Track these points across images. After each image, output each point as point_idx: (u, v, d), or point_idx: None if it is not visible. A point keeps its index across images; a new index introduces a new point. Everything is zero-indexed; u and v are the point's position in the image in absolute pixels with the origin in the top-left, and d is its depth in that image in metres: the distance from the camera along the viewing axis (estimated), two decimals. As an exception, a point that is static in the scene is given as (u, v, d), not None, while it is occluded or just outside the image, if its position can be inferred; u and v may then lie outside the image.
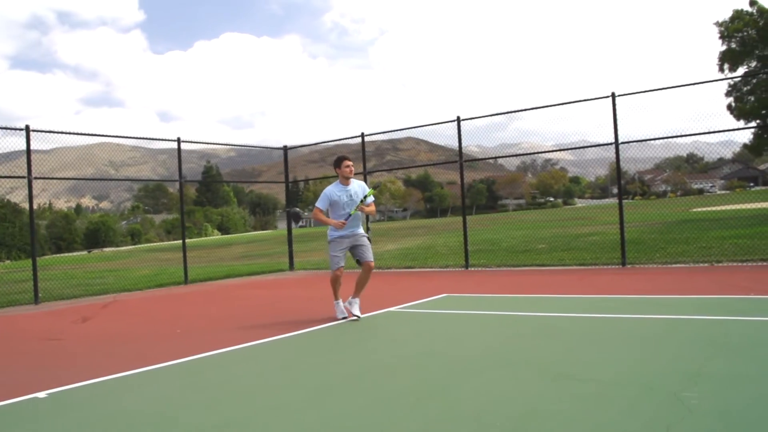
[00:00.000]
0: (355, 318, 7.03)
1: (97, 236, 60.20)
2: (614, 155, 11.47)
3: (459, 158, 13.20)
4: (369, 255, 7.10)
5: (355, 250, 7.12)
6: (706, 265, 10.81)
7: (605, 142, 11.52)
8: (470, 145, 13.47)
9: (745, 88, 23.84)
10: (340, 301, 7.24)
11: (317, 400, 3.88)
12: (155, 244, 58.75)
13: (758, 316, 5.86)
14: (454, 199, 79.20)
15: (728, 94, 24.42)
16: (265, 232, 74.43)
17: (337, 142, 15.92)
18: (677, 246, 13.73)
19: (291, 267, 16.29)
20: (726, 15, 24.69)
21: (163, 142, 14.58)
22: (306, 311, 8.16)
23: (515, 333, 5.78)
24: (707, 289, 7.86)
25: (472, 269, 12.83)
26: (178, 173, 13.75)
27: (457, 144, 13.16)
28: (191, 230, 76.52)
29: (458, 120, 13.01)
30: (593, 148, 11.96)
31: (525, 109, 12.65)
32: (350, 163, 7.06)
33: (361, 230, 7.21)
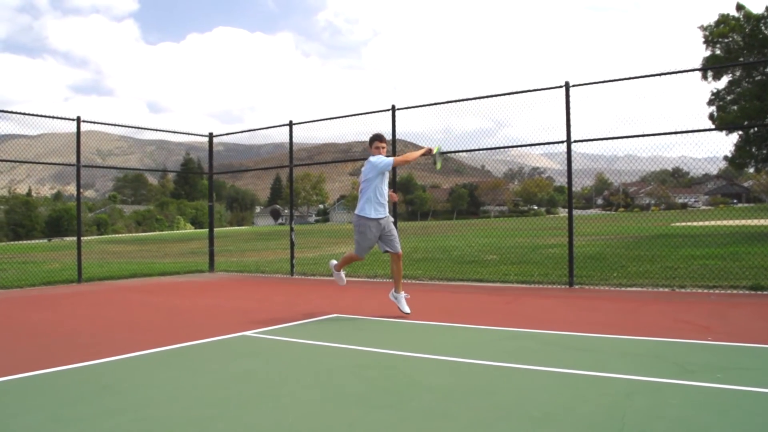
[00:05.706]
0: (406, 313, 6.89)
1: (59, 224, 57.63)
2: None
3: (393, 154, 11.47)
4: (396, 245, 6.97)
5: (382, 239, 6.97)
6: (666, 290, 9.12)
7: (590, 152, 9.94)
8: (458, 151, 11.88)
9: (728, 97, 22.27)
10: (342, 273, 7.43)
11: None
12: (118, 235, 56.56)
13: (706, 380, 4.03)
14: (435, 203, 77.46)
15: (711, 102, 22.85)
16: (239, 228, 72.28)
17: (264, 131, 14.16)
18: (640, 264, 12.07)
19: (211, 268, 14.48)
20: (712, 19, 23.21)
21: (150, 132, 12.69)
22: (157, 329, 6.35)
23: (354, 392, 3.99)
24: (655, 327, 6.10)
25: (400, 282, 11.05)
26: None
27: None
28: (163, 223, 74.14)
29: (393, 109, 11.35)
30: (580, 158, 10.31)
31: (464, 99, 10.91)
32: (381, 145, 6.99)
33: (389, 214, 7.08)
